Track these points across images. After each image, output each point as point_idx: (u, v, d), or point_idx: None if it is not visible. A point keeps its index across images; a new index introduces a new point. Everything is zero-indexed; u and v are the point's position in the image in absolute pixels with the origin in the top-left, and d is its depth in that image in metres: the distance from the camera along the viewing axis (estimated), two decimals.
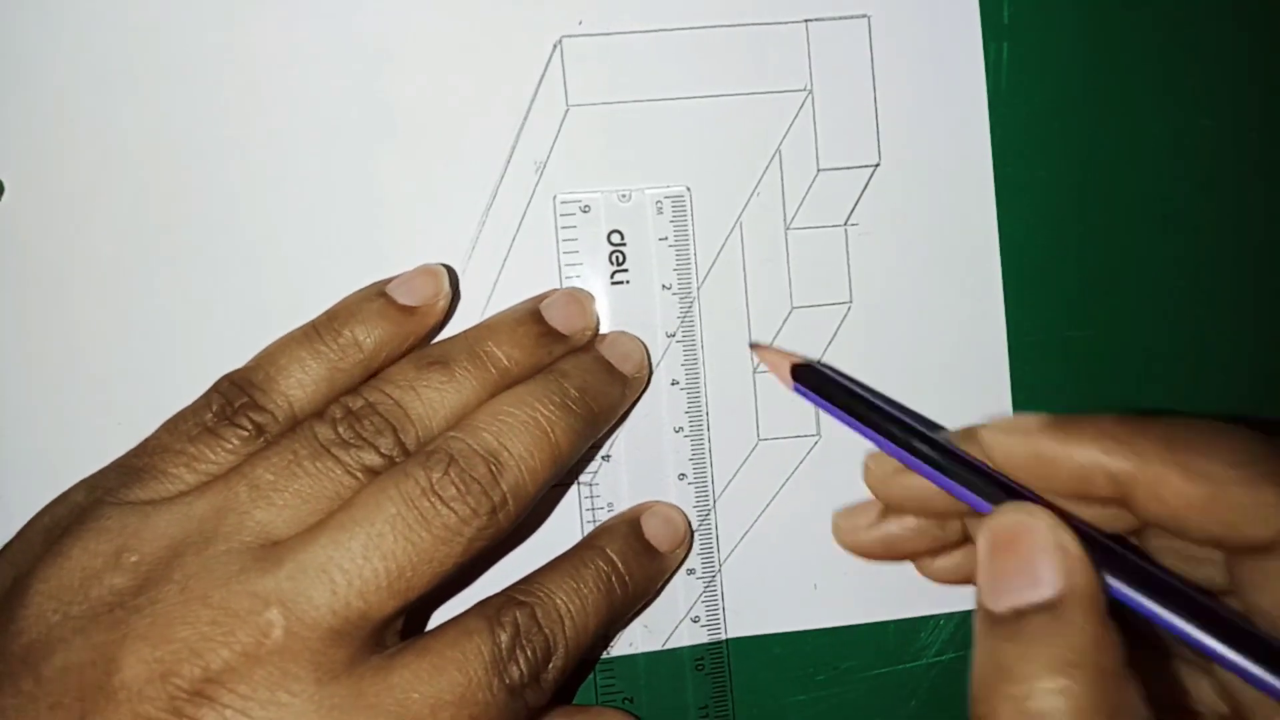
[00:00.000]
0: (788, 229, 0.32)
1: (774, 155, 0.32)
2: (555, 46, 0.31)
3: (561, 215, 0.31)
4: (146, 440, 0.27)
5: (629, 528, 0.30)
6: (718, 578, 0.32)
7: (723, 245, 0.31)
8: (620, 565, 0.29)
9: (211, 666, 0.23)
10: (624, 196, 0.31)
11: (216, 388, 0.28)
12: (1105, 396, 0.33)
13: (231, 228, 0.30)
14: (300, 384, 0.27)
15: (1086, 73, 0.32)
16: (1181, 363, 0.33)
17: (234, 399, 0.27)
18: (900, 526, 0.27)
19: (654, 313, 0.31)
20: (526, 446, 0.27)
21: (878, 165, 0.32)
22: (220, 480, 0.26)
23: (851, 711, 0.32)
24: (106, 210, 0.30)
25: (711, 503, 0.31)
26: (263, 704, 0.23)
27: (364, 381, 0.28)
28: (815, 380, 0.27)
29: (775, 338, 0.32)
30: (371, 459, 0.26)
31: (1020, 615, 0.21)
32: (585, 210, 0.31)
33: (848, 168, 0.32)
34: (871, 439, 0.26)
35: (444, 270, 0.29)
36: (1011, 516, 0.23)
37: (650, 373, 0.31)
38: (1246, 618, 0.23)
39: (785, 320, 0.32)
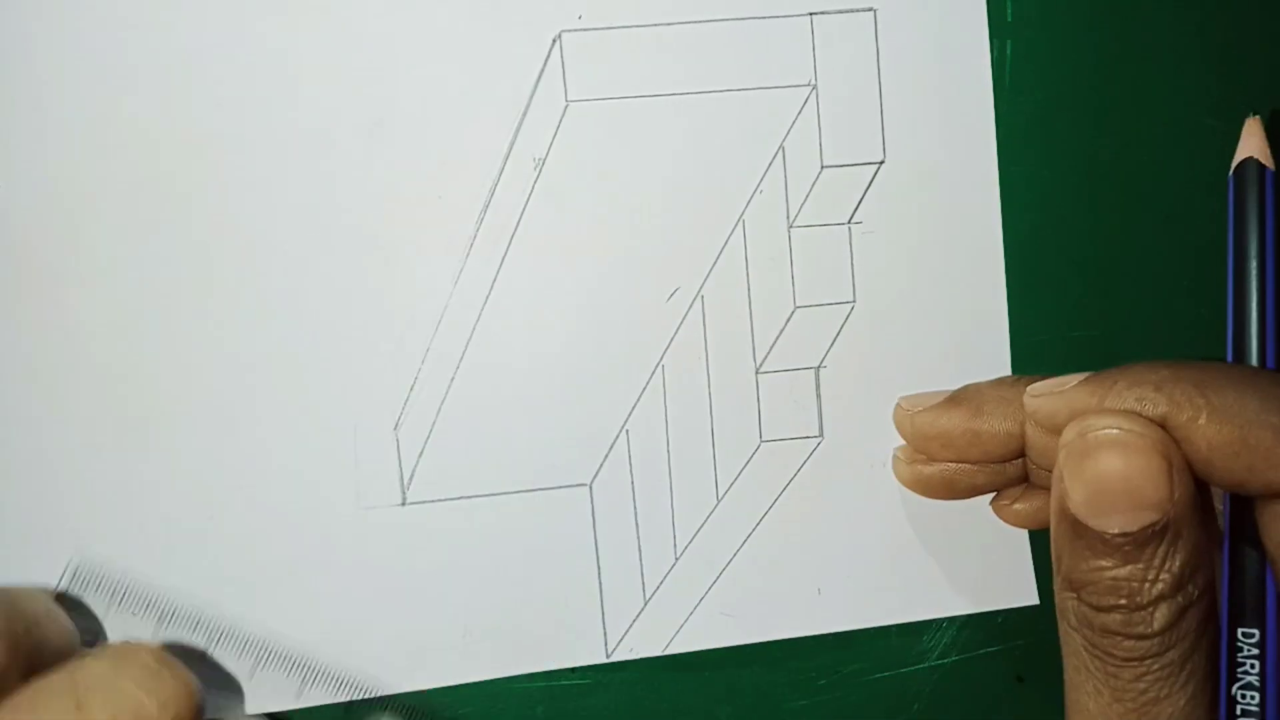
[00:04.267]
0: (790, 227, 0.31)
1: (777, 151, 0.31)
2: (554, 41, 0.30)
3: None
4: None
5: None
6: (718, 582, 0.31)
7: (725, 244, 0.31)
8: None
9: None
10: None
11: None
12: None
13: (229, 226, 0.29)
14: None
15: (1090, 72, 0.32)
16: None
17: None
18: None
19: (655, 312, 0.31)
20: None
21: (882, 162, 0.31)
22: None
23: (853, 716, 0.32)
24: (102, 210, 0.29)
25: (714, 505, 0.31)
26: None
27: None
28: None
29: (778, 338, 0.31)
30: None
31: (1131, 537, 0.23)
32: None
33: (852, 165, 0.31)
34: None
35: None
36: (1111, 430, 0.23)
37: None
38: None
39: (788, 320, 0.31)
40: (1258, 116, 0.28)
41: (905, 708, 0.32)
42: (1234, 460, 0.23)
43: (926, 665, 0.32)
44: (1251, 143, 0.28)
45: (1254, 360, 0.26)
